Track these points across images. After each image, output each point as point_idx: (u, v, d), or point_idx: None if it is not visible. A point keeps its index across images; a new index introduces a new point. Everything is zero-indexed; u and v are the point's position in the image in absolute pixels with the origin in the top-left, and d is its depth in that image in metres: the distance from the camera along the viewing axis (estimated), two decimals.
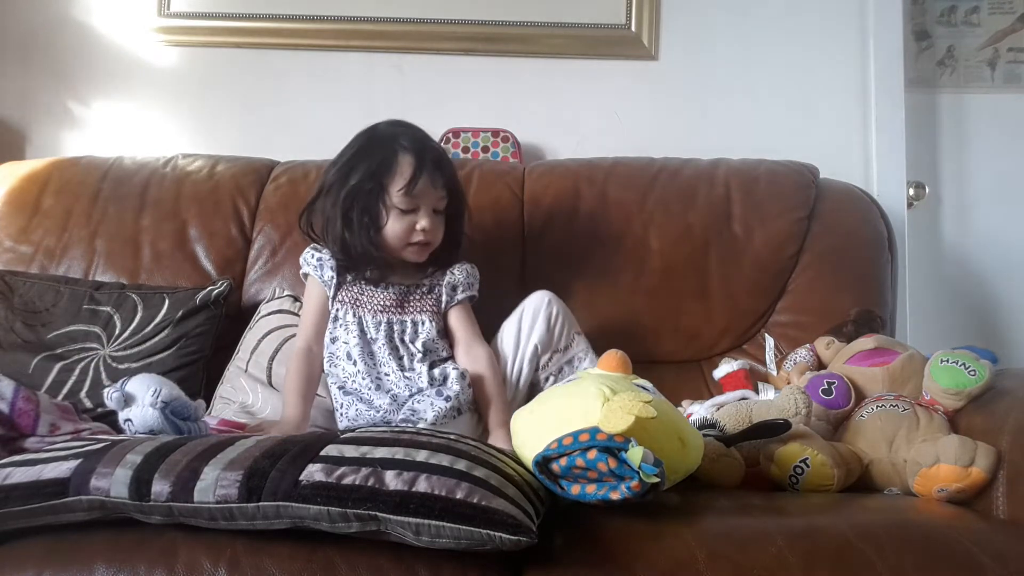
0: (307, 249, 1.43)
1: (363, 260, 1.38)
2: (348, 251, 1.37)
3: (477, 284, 1.44)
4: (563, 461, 0.87)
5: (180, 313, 1.48)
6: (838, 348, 1.40)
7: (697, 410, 1.32)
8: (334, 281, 1.38)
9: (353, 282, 1.39)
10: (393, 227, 1.35)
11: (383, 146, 1.37)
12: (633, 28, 1.94)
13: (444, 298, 1.40)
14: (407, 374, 1.33)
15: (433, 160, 1.37)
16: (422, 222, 1.35)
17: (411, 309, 1.39)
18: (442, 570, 0.81)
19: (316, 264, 1.40)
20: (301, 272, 1.44)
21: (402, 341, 1.36)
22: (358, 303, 1.38)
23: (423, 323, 1.38)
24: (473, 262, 1.46)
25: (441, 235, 1.40)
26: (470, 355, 1.37)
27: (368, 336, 1.36)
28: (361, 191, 1.35)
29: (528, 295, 1.45)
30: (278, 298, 1.57)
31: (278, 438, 0.92)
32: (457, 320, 1.41)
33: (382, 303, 1.37)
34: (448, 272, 1.42)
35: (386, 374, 1.34)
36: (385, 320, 1.37)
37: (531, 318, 1.40)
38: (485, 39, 1.95)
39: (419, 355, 1.35)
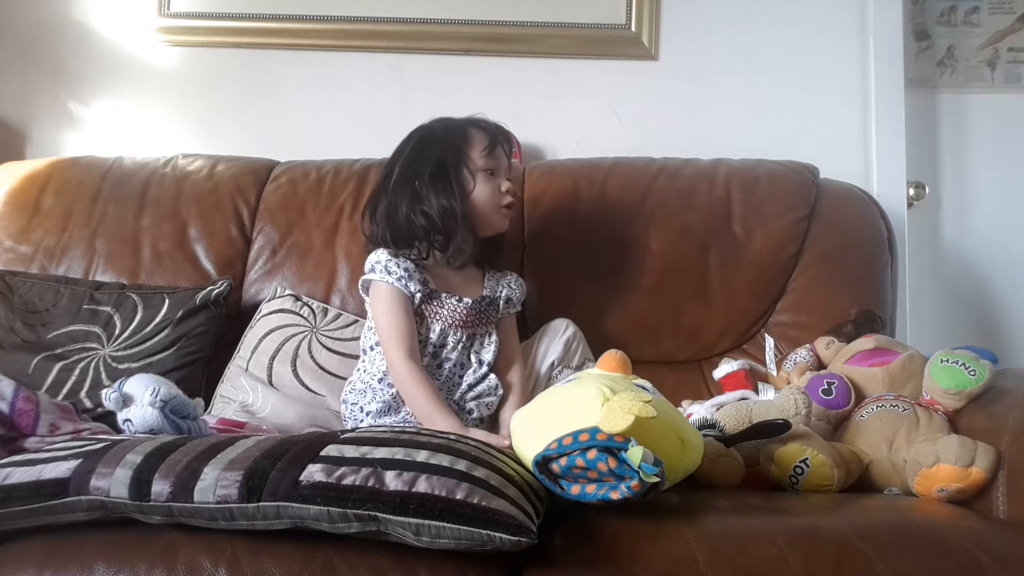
0: (381, 255, 1.34)
1: (451, 236, 1.33)
2: (438, 229, 1.33)
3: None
4: (563, 461, 0.87)
5: (180, 313, 1.48)
6: (838, 348, 1.40)
7: (697, 410, 1.32)
8: (419, 295, 1.32)
9: (432, 296, 1.34)
10: (482, 190, 1.36)
11: (450, 127, 1.39)
12: (633, 28, 1.94)
13: (500, 310, 1.41)
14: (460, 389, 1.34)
15: (503, 131, 1.40)
16: (505, 183, 1.38)
17: (482, 321, 1.38)
18: (442, 570, 0.81)
19: (403, 274, 1.31)
20: (369, 278, 1.35)
21: (470, 355, 1.36)
22: (437, 316, 1.34)
23: (490, 335, 1.39)
24: None
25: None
26: (510, 367, 1.39)
27: (442, 355, 1.34)
28: (444, 163, 1.35)
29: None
30: (279, 297, 1.57)
31: (279, 438, 0.92)
32: (504, 332, 1.41)
33: (461, 318, 1.35)
34: (507, 285, 1.43)
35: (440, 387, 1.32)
36: (465, 335, 1.35)
37: (550, 339, 1.44)
38: (485, 39, 1.95)
39: (484, 368, 1.36)
